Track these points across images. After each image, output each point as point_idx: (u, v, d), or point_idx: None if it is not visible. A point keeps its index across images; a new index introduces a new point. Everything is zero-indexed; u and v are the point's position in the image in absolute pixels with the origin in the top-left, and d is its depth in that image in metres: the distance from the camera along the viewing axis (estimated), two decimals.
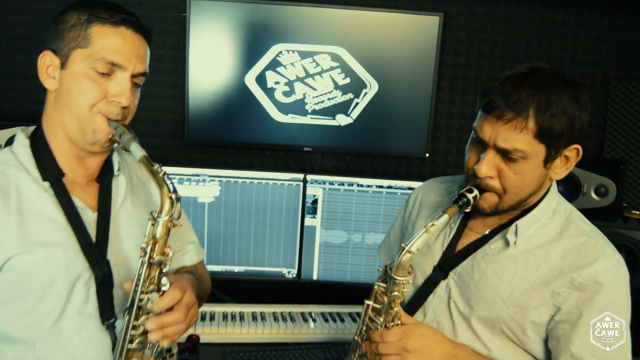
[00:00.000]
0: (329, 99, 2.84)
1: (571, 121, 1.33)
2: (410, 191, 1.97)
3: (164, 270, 1.34)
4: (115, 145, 1.42)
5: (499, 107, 1.32)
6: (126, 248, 1.49)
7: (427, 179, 1.82)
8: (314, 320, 2.48)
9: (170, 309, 1.33)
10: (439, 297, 1.54)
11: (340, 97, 2.84)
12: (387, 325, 1.41)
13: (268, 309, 2.52)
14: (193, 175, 2.58)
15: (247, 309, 2.50)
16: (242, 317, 2.44)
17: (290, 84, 2.82)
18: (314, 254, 2.68)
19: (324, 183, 2.63)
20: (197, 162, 2.91)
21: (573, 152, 1.41)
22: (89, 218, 1.44)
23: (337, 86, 2.82)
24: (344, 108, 2.85)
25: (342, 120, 2.85)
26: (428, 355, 1.38)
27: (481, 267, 1.48)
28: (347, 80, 2.82)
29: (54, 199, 1.40)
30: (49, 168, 1.42)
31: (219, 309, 2.48)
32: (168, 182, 1.32)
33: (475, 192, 1.39)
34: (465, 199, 1.38)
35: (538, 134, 1.32)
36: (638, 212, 2.54)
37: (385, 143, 2.90)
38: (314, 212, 2.64)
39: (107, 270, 1.42)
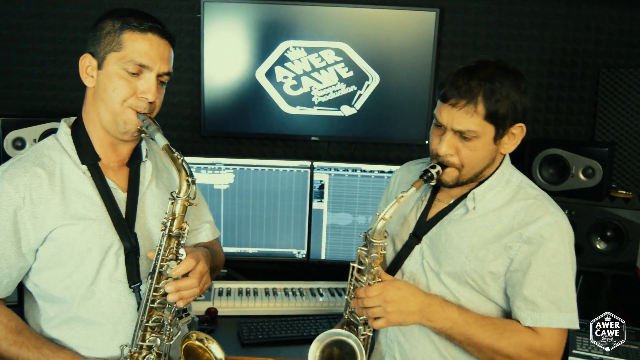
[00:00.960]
0: (333, 91, 3.02)
1: (514, 104, 1.58)
2: None
3: (181, 242, 1.56)
4: (143, 135, 1.63)
5: (453, 96, 1.57)
6: (151, 224, 1.70)
7: None
8: (321, 295, 2.67)
9: (186, 275, 1.54)
10: (414, 259, 1.77)
11: (344, 89, 3.02)
12: (370, 283, 1.64)
13: (279, 285, 2.72)
14: (209, 164, 2.80)
15: (260, 285, 2.70)
16: (255, 292, 2.64)
17: (297, 78, 3.01)
18: (322, 236, 2.88)
19: (330, 169, 2.82)
20: (213, 152, 3.10)
21: (518, 130, 1.65)
22: (120, 197, 1.66)
23: (341, 79, 3.01)
24: (348, 99, 3.03)
25: (346, 110, 3.04)
26: (405, 304, 1.62)
27: (447, 231, 1.71)
28: (351, 73, 3.00)
29: (90, 180, 1.62)
30: (87, 153, 1.64)
31: (234, 285, 2.68)
32: (186, 167, 1.54)
33: (438, 167, 1.63)
34: (429, 174, 1.62)
35: (487, 117, 1.56)
36: (624, 192, 2.69)
37: (387, 131, 3.08)
38: (321, 196, 2.84)
39: (134, 242, 1.63)
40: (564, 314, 1.61)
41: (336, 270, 2.85)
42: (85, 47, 1.62)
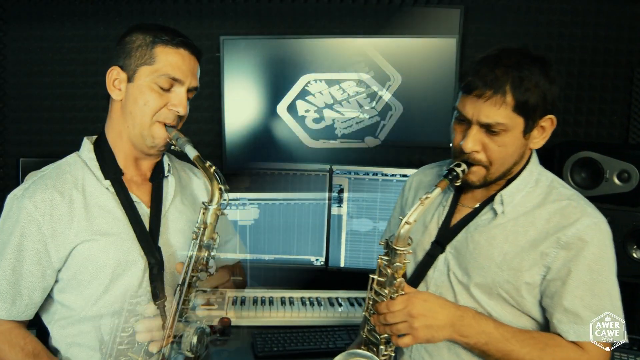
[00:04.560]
0: (356, 122, 2.99)
1: (544, 94, 1.46)
2: None
3: (212, 254, 1.51)
4: (172, 147, 1.63)
5: (478, 86, 1.45)
6: (175, 240, 1.68)
7: None
8: (340, 305, 2.48)
9: (216, 288, 1.52)
10: (439, 270, 1.61)
11: (367, 121, 2.99)
12: (392, 296, 1.47)
13: (296, 294, 2.57)
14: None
15: (276, 294, 2.56)
16: (271, 301, 2.48)
17: (319, 111, 3.00)
18: (341, 242, 2.72)
19: (350, 173, 2.70)
20: (234, 189, 2.96)
21: (548, 122, 1.52)
22: (144, 212, 1.65)
23: (363, 110, 2.98)
24: (372, 130, 2.99)
25: (370, 142, 2.99)
26: (433, 317, 1.44)
27: (475, 238, 1.56)
28: (373, 103, 2.98)
29: (114, 195, 1.62)
30: (110, 168, 1.64)
31: (249, 294, 2.55)
32: (218, 175, 1.53)
33: (464, 166, 1.50)
34: (454, 173, 1.49)
35: (516, 108, 1.44)
36: None
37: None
38: (340, 201, 2.70)
39: (159, 256, 1.61)
40: None
41: (356, 278, 2.62)
42: (110, 62, 1.64)
